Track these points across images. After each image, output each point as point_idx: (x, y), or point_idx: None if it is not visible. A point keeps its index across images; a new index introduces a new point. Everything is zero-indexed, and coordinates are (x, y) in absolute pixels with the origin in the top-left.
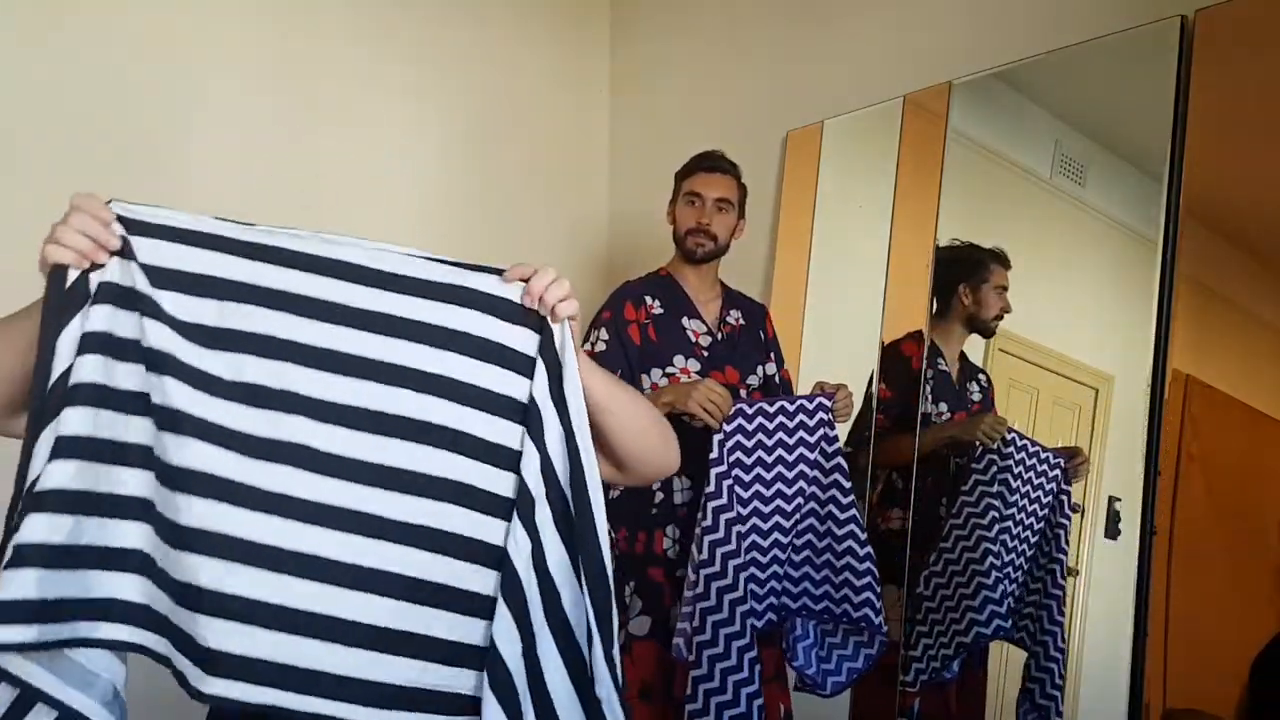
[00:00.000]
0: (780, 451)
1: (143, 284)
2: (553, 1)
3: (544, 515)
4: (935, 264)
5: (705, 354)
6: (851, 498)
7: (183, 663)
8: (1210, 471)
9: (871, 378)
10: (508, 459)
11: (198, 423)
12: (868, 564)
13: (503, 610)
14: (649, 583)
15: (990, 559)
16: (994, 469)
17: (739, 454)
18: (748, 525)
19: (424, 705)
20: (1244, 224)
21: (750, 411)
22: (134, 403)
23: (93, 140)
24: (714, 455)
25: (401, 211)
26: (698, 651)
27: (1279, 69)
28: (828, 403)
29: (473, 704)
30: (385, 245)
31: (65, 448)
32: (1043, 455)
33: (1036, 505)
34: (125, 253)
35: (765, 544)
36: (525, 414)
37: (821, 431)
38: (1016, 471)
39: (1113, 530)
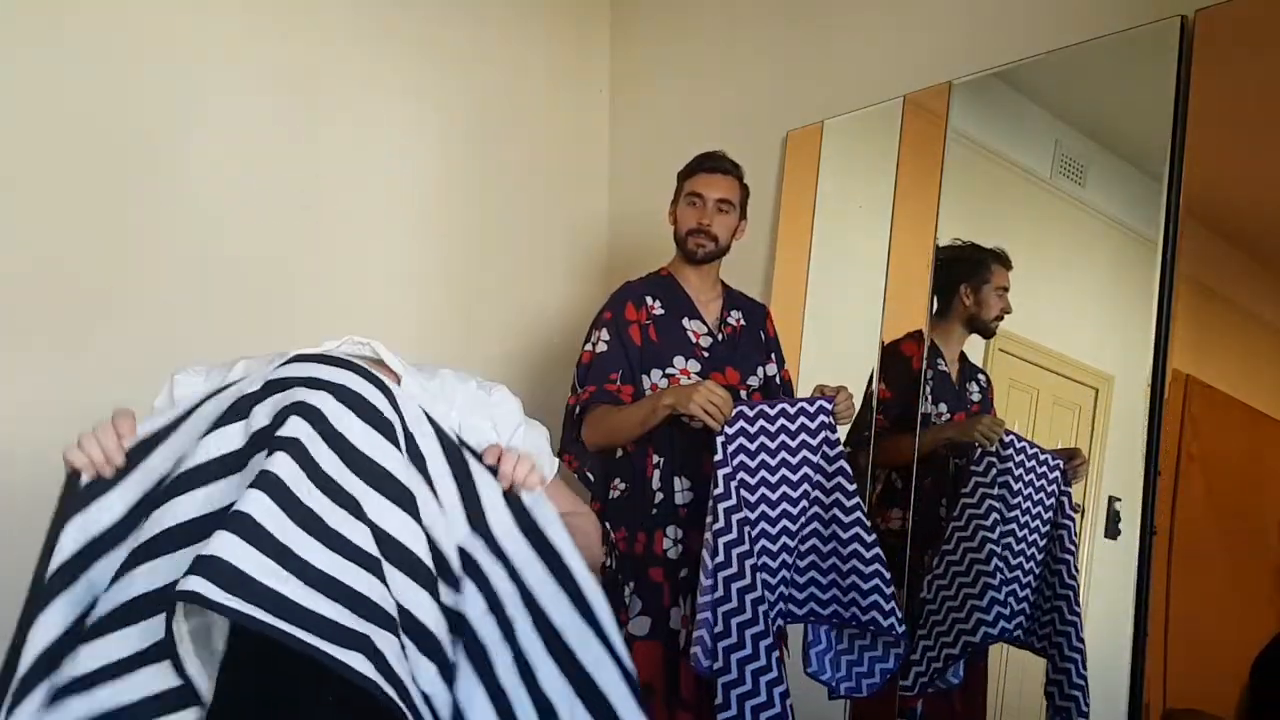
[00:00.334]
0: (783, 454)
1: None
2: (553, 1)
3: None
4: (936, 264)
5: (706, 355)
6: (856, 500)
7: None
8: (1210, 471)
9: (871, 378)
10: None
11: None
12: (875, 565)
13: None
14: (649, 583)
15: (995, 560)
16: (994, 471)
17: (742, 457)
18: (756, 528)
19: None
20: (1244, 224)
21: (751, 414)
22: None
23: (93, 140)
24: (718, 457)
25: (401, 212)
26: (724, 657)
27: (1279, 69)
28: (828, 405)
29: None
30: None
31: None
32: (1041, 457)
33: (1040, 507)
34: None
35: (774, 548)
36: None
37: (823, 434)
38: (1017, 474)
39: (1113, 530)
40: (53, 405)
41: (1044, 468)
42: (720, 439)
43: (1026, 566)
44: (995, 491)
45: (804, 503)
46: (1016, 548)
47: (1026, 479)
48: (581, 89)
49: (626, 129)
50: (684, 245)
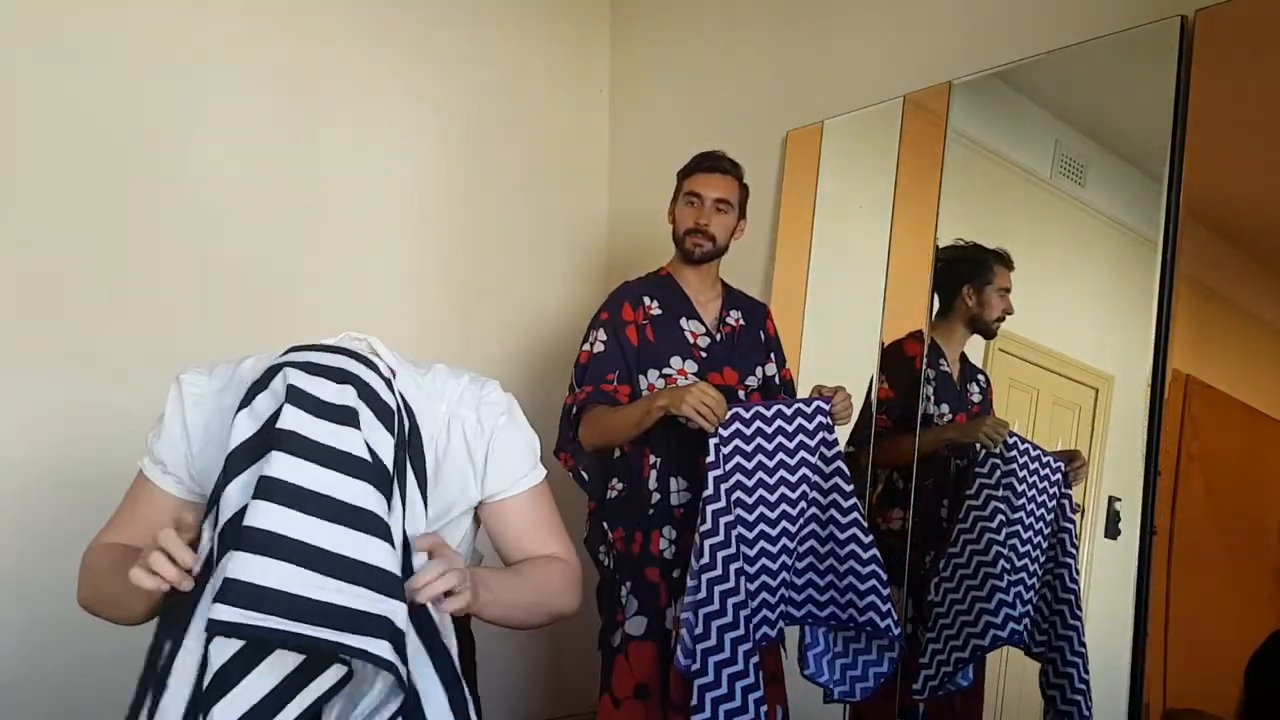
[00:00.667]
0: (781, 455)
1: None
2: (553, 1)
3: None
4: (938, 264)
5: (703, 355)
6: (853, 501)
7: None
8: (1210, 471)
9: (872, 380)
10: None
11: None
12: (872, 567)
13: None
14: (645, 583)
15: (1002, 562)
16: (998, 472)
17: (739, 458)
18: (754, 532)
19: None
20: (1244, 224)
21: (747, 415)
22: None
23: (93, 140)
24: (710, 459)
25: (401, 212)
26: (702, 659)
27: (1279, 69)
28: (826, 406)
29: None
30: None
31: None
32: (1043, 459)
33: (1042, 509)
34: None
35: (774, 549)
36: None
37: (820, 435)
38: (1020, 475)
39: (1113, 530)
40: (53, 405)
41: (1046, 469)
42: (714, 440)
43: (1031, 568)
44: (999, 493)
45: (802, 504)
46: (1020, 549)
47: (1029, 480)
48: (581, 89)
49: (626, 129)
50: (682, 245)
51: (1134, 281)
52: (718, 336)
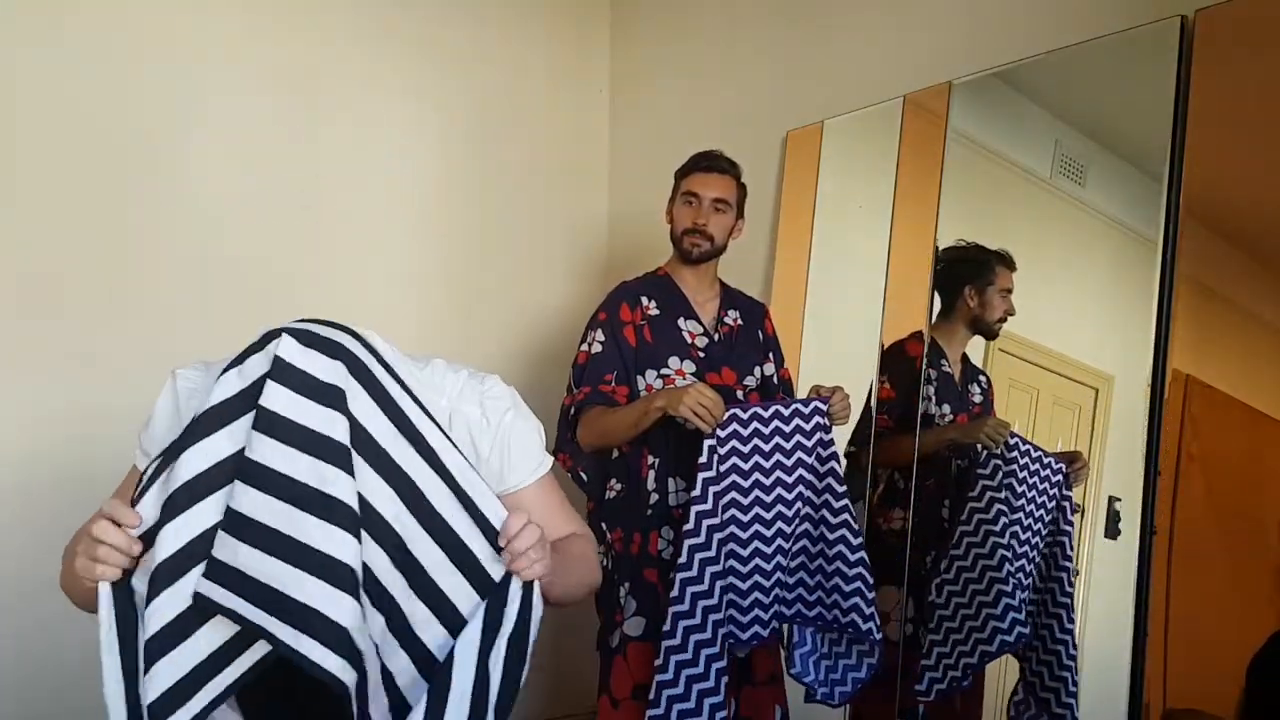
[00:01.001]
0: (778, 456)
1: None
2: (553, 1)
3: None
4: (940, 264)
5: (701, 355)
6: (844, 502)
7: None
8: (1210, 471)
9: (873, 380)
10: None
11: None
12: (858, 569)
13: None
14: (644, 584)
15: (1007, 565)
16: (1000, 474)
17: (736, 459)
18: (749, 532)
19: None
20: (1244, 224)
21: (745, 416)
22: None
23: (93, 140)
24: (702, 460)
25: (401, 212)
26: (665, 656)
27: (1279, 69)
28: (823, 406)
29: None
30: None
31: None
32: (1045, 460)
33: (1042, 511)
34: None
35: (769, 550)
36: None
37: (817, 435)
38: (1021, 476)
39: (1113, 530)
40: (53, 405)
41: (1046, 470)
42: (709, 442)
43: (1028, 569)
44: (1001, 495)
45: (798, 504)
46: (1020, 550)
47: (1030, 481)
48: (581, 89)
49: (626, 129)
50: (680, 245)
51: (1134, 281)
52: (716, 336)
